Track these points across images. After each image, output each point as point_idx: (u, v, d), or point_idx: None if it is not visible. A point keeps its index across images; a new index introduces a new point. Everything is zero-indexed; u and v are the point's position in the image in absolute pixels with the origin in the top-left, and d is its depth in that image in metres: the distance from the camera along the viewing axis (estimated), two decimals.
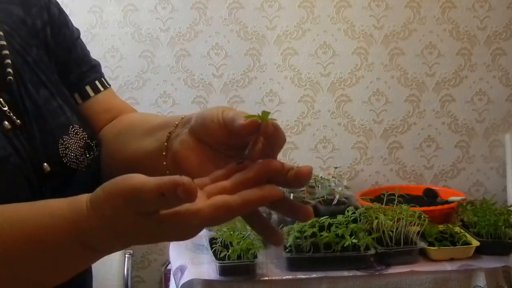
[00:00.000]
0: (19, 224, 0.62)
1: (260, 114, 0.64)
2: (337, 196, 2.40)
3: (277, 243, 0.68)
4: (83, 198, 0.62)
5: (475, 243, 2.18)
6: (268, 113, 0.64)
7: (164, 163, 0.74)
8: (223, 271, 2.03)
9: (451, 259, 2.16)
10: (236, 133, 0.66)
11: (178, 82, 2.78)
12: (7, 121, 0.76)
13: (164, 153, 0.74)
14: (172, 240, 0.65)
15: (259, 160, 0.66)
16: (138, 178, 0.57)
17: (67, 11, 0.97)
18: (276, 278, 2.06)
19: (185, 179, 0.54)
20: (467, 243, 2.18)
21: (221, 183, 0.62)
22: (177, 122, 0.75)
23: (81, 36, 0.99)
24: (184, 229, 0.60)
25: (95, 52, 0.99)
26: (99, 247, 0.62)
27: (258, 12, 2.75)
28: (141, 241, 0.63)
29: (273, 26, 2.76)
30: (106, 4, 2.71)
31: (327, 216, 2.13)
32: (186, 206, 0.57)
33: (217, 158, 0.70)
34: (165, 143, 0.74)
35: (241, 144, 0.69)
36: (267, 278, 2.06)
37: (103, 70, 1.01)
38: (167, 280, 2.66)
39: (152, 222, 0.58)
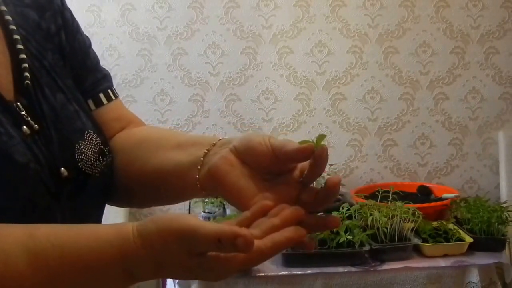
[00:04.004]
0: (65, 245, 0.63)
1: (311, 139, 0.68)
2: None
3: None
4: (129, 227, 0.64)
5: (469, 239, 2.20)
6: (324, 136, 0.68)
7: (197, 175, 0.77)
8: None
9: (445, 256, 2.18)
10: (288, 159, 0.70)
11: (175, 80, 2.80)
12: (25, 126, 0.76)
13: (198, 167, 0.77)
14: (205, 280, 0.69)
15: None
16: (194, 220, 0.61)
17: None
18: (272, 274, 2.09)
19: (245, 230, 0.58)
20: (460, 239, 2.21)
21: (252, 231, 0.64)
22: (214, 142, 0.78)
23: None
24: (220, 271, 0.64)
25: None
26: (138, 275, 0.65)
27: (254, 11, 2.77)
28: (178, 276, 0.66)
29: (269, 25, 2.78)
30: (104, 3, 2.72)
31: (322, 213, 2.15)
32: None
33: (254, 178, 0.73)
34: (202, 158, 0.77)
35: (280, 171, 0.73)
36: (263, 274, 2.08)
37: None
38: None
39: (196, 262, 0.62)
